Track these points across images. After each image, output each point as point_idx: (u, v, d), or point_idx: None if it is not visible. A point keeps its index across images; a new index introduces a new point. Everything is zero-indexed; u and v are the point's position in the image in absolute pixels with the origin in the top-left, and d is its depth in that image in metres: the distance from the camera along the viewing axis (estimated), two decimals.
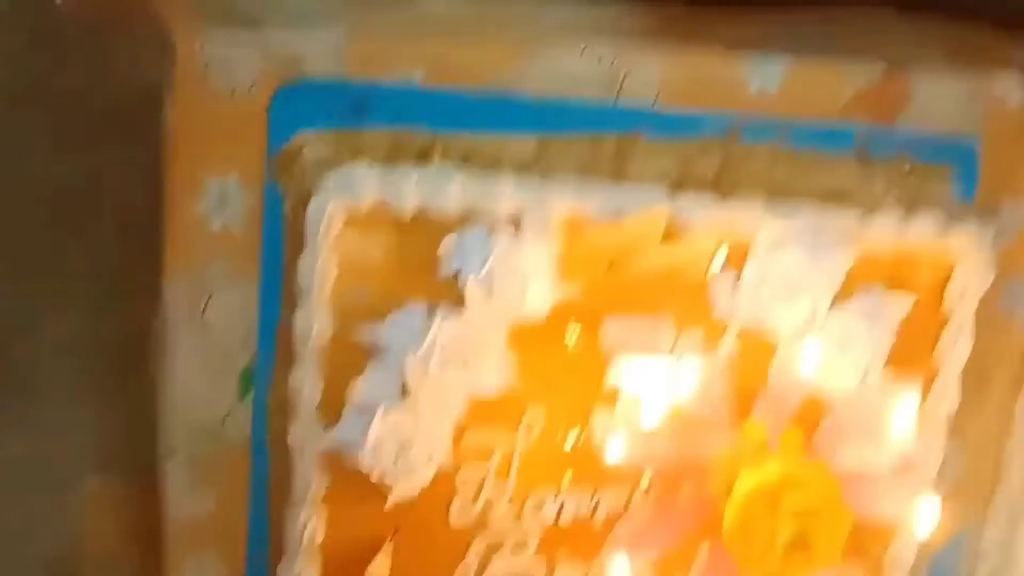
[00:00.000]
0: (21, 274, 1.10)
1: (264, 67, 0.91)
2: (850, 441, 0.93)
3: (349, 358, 0.92)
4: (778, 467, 0.89)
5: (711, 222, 0.91)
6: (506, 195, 0.90)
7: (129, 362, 1.02)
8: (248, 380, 0.97)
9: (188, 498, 0.99)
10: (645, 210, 0.91)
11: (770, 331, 0.93)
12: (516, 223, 0.90)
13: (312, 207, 0.89)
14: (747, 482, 0.89)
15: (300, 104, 0.92)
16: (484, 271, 0.88)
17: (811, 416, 0.94)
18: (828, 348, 0.92)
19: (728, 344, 0.94)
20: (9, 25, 1.07)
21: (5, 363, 1.09)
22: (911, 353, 0.97)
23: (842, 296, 0.93)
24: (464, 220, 0.90)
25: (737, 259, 0.92)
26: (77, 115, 1.07)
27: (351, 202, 0.89)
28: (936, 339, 0.97)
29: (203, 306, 0.96)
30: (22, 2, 1.04)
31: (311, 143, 0.92)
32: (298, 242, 0.92)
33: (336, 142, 0.92)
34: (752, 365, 0.94)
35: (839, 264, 0.92)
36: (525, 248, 0.89)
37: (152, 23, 0.92)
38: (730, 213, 0.91)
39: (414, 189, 0.89)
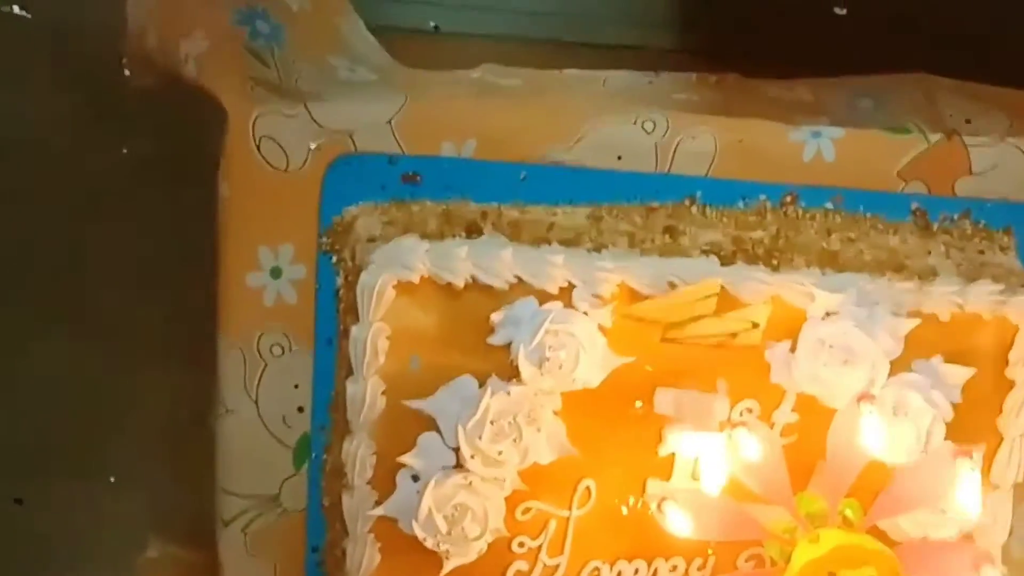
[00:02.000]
0: (87, 333, 1.12)
1: (317, 141, 0.93)
2: (911, 511, 0.91)
3: (402, 428, 0.92)
4: (836, 540, 0.87)
5: (765, 292, 0.90)
6: (557, 267, 0.89)
7: (185, 432, 1.03)
8: (304, 450, 0.98)
9: (245, 566, 0.99)
10: (698, 281, 0.90)
11: (827, 401, 0.91)
12: (567, 295, 0.90)
13: (364, 279, 0.89)
14: (804, 555, 0.87)
15: (352, 177, 0.93)
16: (535, 342, 0.88)
17: (870, 486, 0.91)
18: (887, 417, 0.90)
19: (784, 414, 0.93)
20: (77, 95, 1.10)
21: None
22: (974, 420, 0.94)
23: (901, 364, 0.92)
24: (515, 292, 0.90)
25: (792, 329, 0.91)
26: (140, 181, 1.09)
27: (402, 274, 0.89)
28: (1000, 405, 0.95)
29: (258, 376, 0.96)
30: (91, 74, 1.07)
31: (363, 216, 0.93)
32: (351, 313, 0.92)
33: (388, 215, 0.93)
34: (809, 435, 0.92)
35: (897, 333, 0.91)
36: (577, 319, 0.89)
37: (212, 100, 0.94)
38: (784, 283, 0.90)
39: (465, 261, 0.89)
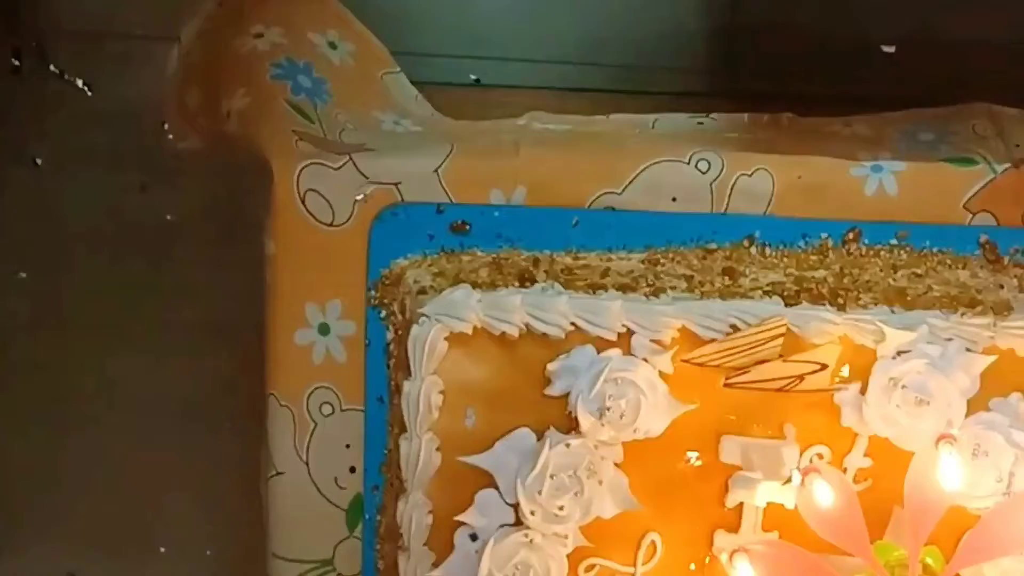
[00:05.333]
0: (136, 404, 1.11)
1: (363, 193, 0.91)
2: (996, 558, 0.87)
3: (459, 486, 0.89)
4: None
5: (832, 332, 0.87)
6: (614, 313, 0.87)
7: (236, 499, 1.01)
8: (357, 511, 0.96)
9: None
10: (761, 323, 0.87)
11: (901, 444, 0.88)
12: (626, 341, 0.87)
13: (415, 332, 0.87)
14: None
15: (400, 229, 0.91)
16: (594, 392, 0.85)
17: (952, 532, 0.88)
18: (966, 459, 0.86)
19: (857, 459, 0.89)
20: (127, 161, 1.10)
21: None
22: None
23: (978, 403, 0.88)
24: (572, 340, 0.88)
25: (862, 370, 0.88)
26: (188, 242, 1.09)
27: (455, 326, 0.87)
28: None
29: (308, 436, 0.94)
30: (138, 138, 1.07)
31: (412, 268, 0.91)
32: (402, 368, 0.90)
33: (437, 265, 0.91)
34: (884, 480, 0.89)
35: (972, 370, 0.87)
36: (637, 366, 0.86)
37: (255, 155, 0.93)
38: (852, 322, 0.87)
39: (519, 310, 0.87)
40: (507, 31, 1.14)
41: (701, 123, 1.03)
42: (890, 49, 1.08)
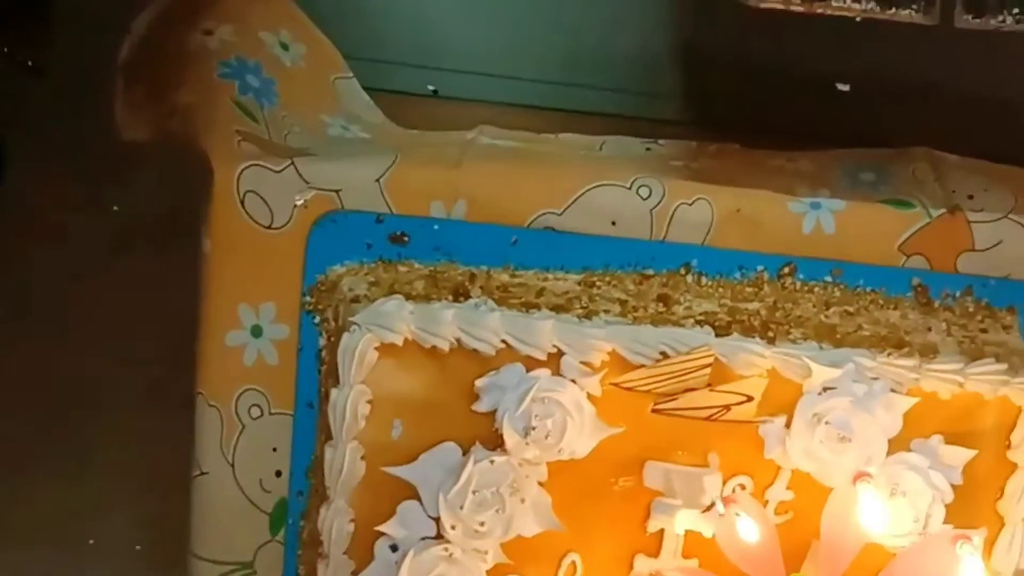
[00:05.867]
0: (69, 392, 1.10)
1: (303, 198, 0.91)
2: None
3: (382, 496, 0.89)
4: None
5: (760, 365, 0.88)
6: (546, 333, 0.87)
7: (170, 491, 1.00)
8: (281, 516, 0.95)
9: None
10: (690, 351, 0.87)
11: (823, 479, 0.89)
12: (556, 362, 0.87)
13: (345, 340, 0.87)
14: None
15: (338, 236, 0.91)
16: (521, 410, 0.85)
17: (867, 569, 0.89)
18: (884, 498, 0.87)
19: (778, 492, 0.90)
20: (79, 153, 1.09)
21: None
22: (975, 503, 0.91)
23: (900, 443, 0.89)
24: (502, 358, 0.88)
25: (787, 404, 0.88)
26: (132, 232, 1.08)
27: (385, 336, 0.87)
28: (1001, 488, 0.92)
29: (236, 438, 0.94)
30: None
31: (348, 275, 0.91)
32: (333, 375, 0.90)
33: (374, 275, 0.91)
34: (804, 514, 0.90)
35: (896, 410, 0.88)
36: (565, 387, 0.86)
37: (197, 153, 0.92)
38: (780, 356, 0.87)
39: (451, 325, 0.87)
40: (468, 44, 1.14)
41: (649, 148, 1.03)
42: (845, 87, 1.08)
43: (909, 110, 1.08)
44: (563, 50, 1.14)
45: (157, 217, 1.10)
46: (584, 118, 1.14)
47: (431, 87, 1.14)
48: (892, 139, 1.03)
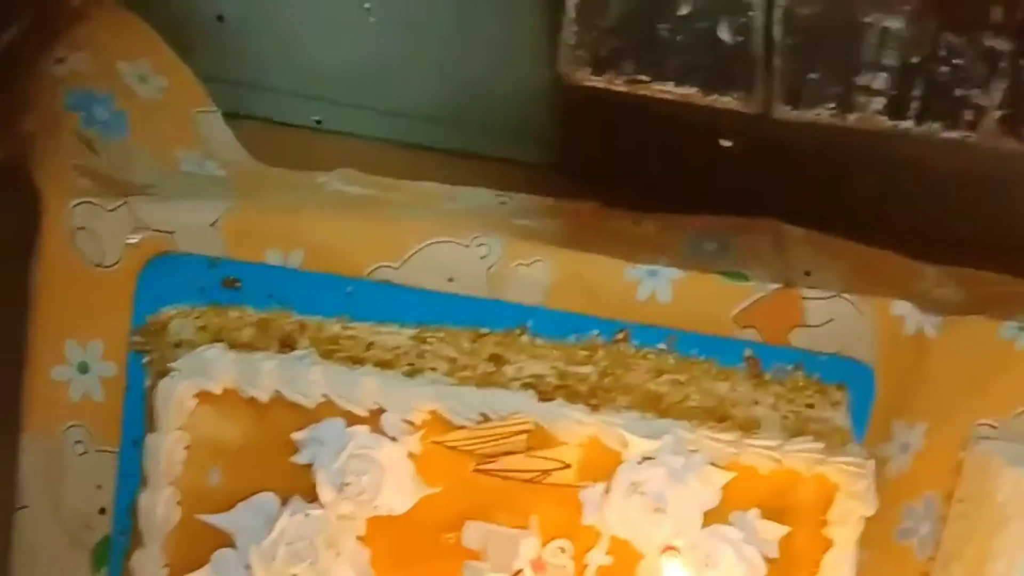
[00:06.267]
0: None
1: (136, 237, 0.90)
2: None
3: (197, 543, 0.88)
4: None
5: (580, 432, 0.88)
6: (366, 390, 0.86)
7: None
8: (104, 554, 0.94)
9: None
10: (511, 415, 0.87)
11: (640, 547, 0.89)
12: (376, 418, 0.87)
13: (163, 386, 0.86)
14: None
15: (170, 277, 0.90)
16: (336, 466, 0.85)
17: None
18: (697, 569, 0.88)
19: (599, 556, 0.90)
20: None
21: None
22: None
23: (718, 515, 0.89)
24: (323, 411, 0.87)
25: (608, 470, 0.89)
26: None
27: (204, 384, 0.86)
28: (817, 563, 0.92)
29: (59, 474, 0.92)
30: None
31: (178, 318, 0.90)
32: (152, 418, 0.89)
33: (204, 319, 0.90)
34: None
35: (714, 483, 0.89)
36: (383, 445, 0.86)
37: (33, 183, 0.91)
38: (600, 424, 0.88)
39: (271, 376, 0.86)
40: (357, 79, 1.13)
41: (504, 202, 1.03)
42: (728, 144, 1.09)
43: (782, 171, 1.08)
44: (451, 91, 1.14)
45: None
46: (464, 160, 1.14)
47: (315, 118, 1.13)
48: (753, 204, 1.04)
